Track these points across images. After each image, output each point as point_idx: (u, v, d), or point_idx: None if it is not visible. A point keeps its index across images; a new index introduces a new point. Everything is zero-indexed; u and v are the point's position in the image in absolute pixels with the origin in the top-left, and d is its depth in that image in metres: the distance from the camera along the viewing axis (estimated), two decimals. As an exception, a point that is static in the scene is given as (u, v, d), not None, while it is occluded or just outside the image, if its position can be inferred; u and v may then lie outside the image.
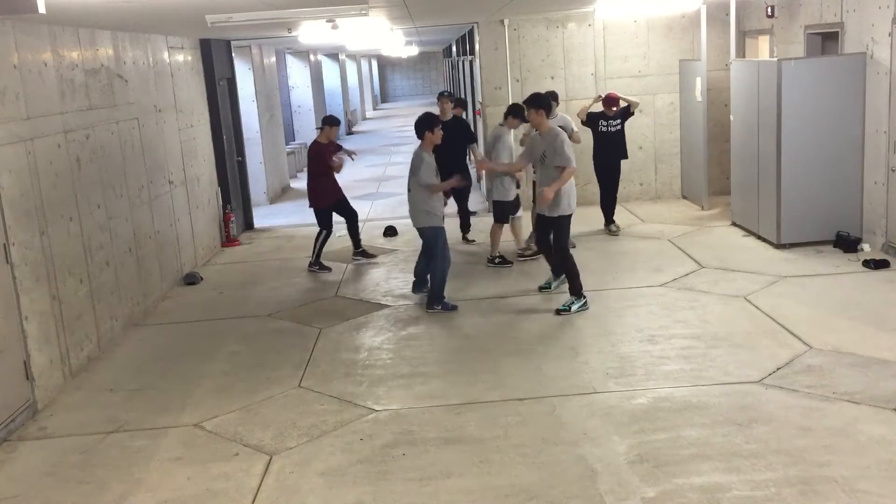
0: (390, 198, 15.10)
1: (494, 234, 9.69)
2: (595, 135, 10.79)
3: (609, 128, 10.74)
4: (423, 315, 8.03)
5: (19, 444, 5.79)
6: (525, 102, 8.15)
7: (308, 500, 4.77)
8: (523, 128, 9.77)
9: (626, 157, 10.99)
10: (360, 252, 10.38)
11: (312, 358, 7.10)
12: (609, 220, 11.00)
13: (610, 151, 10.81)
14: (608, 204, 11.00)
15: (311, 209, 10.19)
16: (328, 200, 10.08)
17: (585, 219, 10.87)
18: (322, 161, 9.92)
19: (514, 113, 9.44)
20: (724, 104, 11.60)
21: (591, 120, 10.79)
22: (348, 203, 10.32)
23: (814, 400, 5.55)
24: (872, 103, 8.91)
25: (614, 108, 10.66)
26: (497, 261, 9.61)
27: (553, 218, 7.91)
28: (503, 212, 9.62)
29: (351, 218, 10.28)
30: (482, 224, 11.87)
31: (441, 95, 11.08)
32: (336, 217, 10.20)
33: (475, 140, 11.38)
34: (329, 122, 10.13)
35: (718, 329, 7.03)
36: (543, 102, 8.00)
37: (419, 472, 4.97)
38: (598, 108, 10.84)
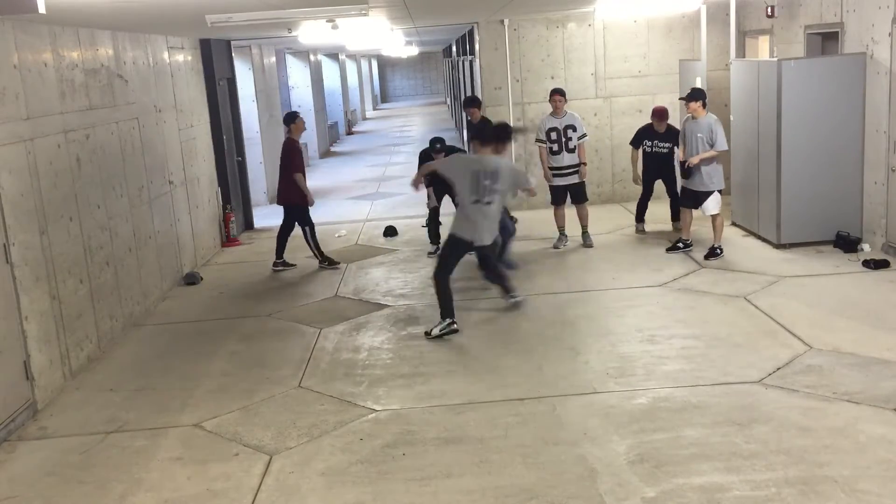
0: (390, 198, 15.10)
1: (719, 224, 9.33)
2: (643, 154, 10.35)
3: (654, 149, 10.22)
4: (423, 315, 8.01)
5: (19, 444, 5.79)
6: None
7: (308, 500, 4.77)
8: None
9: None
10: (283, 262, 10.24)
11: (312, 358, 7.10)
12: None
13: (654, 175, 10.35)
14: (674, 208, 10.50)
15: (282, 206, 10.12)
16: (303, 198, 10.01)
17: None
18: (297, 158, 9.92)
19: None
20: (724, 104, 11.60)
21: (636, 138, 10.35)
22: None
23: (814, 400, 5.55)
24: (872, 103, 8.91)
25: (662, 123, 10.07)
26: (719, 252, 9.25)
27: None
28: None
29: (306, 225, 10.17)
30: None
31: (434, 148, 9.72)
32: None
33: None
34: (291, 118, 10.02)
35: (718, 329, 7.03)
36: (487, 136, 7.48)
37: (419, 472, 4.97)
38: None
